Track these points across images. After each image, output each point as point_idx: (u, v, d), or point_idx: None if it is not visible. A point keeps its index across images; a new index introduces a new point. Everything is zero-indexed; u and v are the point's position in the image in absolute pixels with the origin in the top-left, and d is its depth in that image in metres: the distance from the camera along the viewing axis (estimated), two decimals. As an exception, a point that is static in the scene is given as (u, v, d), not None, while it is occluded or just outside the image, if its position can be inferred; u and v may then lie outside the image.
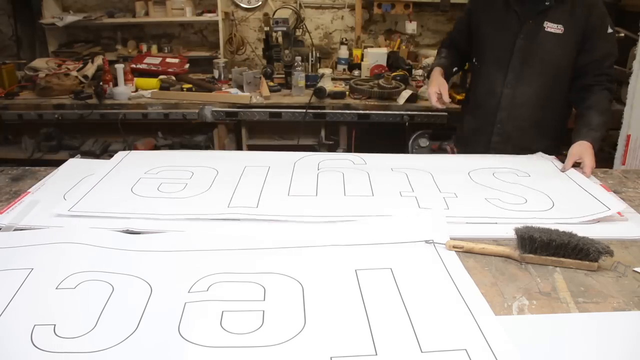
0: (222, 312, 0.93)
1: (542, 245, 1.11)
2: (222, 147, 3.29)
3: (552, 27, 1.87)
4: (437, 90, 1.96)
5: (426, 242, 1.18)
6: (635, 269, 1.11)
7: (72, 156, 1.79)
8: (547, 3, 1.86)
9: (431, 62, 3.20)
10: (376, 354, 0.84)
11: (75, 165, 1.70)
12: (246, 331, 0.89)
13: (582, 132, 1.76)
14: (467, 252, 1.15)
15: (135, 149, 3.15)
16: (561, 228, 1.15)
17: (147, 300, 0.97)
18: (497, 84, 1.98)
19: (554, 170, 1.68)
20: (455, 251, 1.15)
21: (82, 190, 1.44)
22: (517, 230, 1.14)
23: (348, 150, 3.10)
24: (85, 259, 1.10)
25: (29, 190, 1.48)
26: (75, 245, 1.15)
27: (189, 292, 0.99)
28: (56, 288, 1.00)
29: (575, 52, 1.89)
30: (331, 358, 0.83)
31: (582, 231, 1.25)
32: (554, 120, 2.02)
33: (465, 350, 0.85)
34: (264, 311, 0.94)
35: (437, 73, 2.07)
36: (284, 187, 1.49)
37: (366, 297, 0.99)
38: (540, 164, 1.74)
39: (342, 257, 1.13)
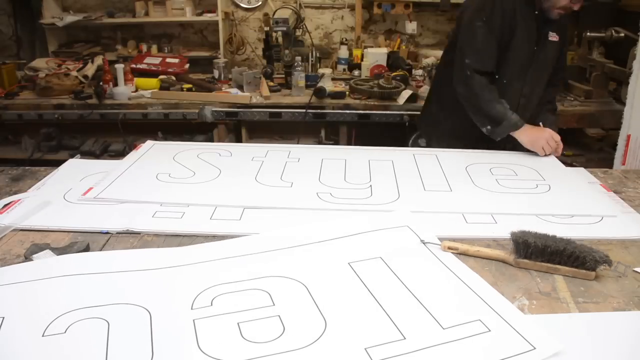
0: (238, 323, 0.90)
1: (536, 251, 1.09)
2: (222, 147, 3.30)
3: (553, 37, 1.96)
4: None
5: (421, 241, 1.18)
6: (635, 269, 1.10)
7: (72, 156, 1.79)
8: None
9: (432, 63, 3.22)
10: (404, 338, 0.87)
11: (75, 165, 1.70)
12: (270, 339, 0.87)
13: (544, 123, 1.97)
14: (462, 254, 1.15)
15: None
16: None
17: (150, 326, 0.90)
18: (515, 95, 2.01)
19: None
20: (451, 252, 1.15)
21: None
22: (512, 235, 1.13)
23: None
24: (65, 295, 0.98)
25: (28, 190, 1.48)
26: (49, 280, 1.02)
27: (192, 309, 0.95)
28: (43, 335, 0.87)
29: (557, 60, 2.06)
30: (365, 349, 0.84)
31: (582, 231, 1.26)
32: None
33: (480, 320, 0.91)
34: (279, 316, 0.93)
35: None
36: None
37: (370, 287, 1.02)
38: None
39: (332, 253, 1.15)
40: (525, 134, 1.87)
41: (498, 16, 1.89)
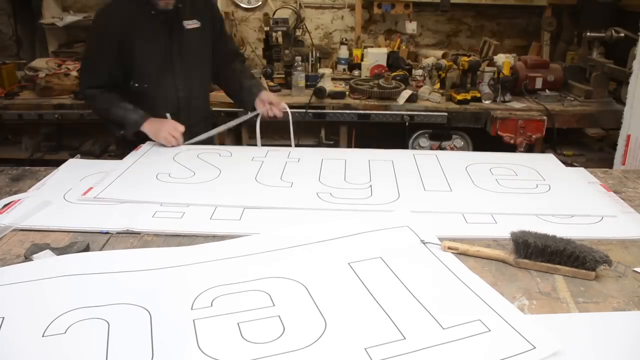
0: (238, 323, 0.90)
1: (536, 251, 1.09)
2: (222, 147, 3.30)
3: (191, 24, 2.00)
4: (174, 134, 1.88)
5: (421, 241, 1.19)
6: (635, 269, 1.11)
7: (72, 156, 1.80)
8: (178, 5, 1.95)
9: (431, 63, 3.21)
10: (404, 338, 0.87)
11: (75, 166, 1.70)
12: (271, 339, 0.87)
13: (254, 90, 2.12)
14: (462, 254, 1.15)
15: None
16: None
17: (150, 326, 0.90)
18: (170, 93, 2.03)
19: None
20: (451, 252, 1.15)
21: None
22: (512, 234, 1.13)
23: (348, 150, 3.09)
24: (66, 295, 0.99)
25: (28, 190, 1.48)
26: (49, 280, 1.02)
27: (192, 309, 0.95)
28: (43, 336, 0.88)
29: (211, 42, 2.12)
30: (365, 349, 0.84)
31: (582, 231, 1.26)
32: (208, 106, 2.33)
33: (480, 320, 0.91)
34: (279, 316, 0.93)
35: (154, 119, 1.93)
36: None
37: (370, 287, 1.02)
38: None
39: (332, 253, 1.15)
40: (148, 128, 1.90)
41: (105, 46, 1.92)
